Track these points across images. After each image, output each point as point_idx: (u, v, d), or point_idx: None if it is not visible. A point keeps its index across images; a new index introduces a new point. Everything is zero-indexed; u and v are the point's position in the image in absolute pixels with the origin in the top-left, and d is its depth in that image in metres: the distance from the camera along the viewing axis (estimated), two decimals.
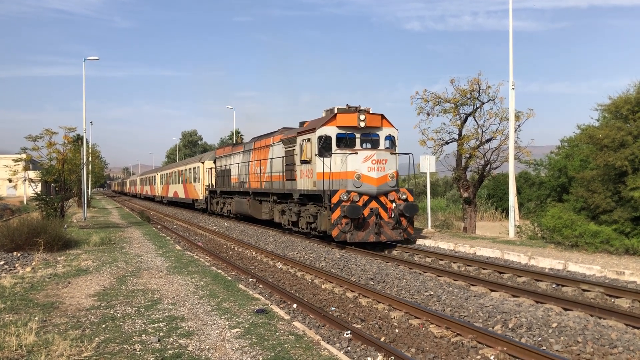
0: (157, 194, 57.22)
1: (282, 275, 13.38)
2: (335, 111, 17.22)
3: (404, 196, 16.72)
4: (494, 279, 12.12)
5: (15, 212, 42.63)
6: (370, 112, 17.35)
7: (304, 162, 18.05)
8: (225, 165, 29.84)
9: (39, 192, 25.52)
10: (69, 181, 27.42)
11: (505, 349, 7.10)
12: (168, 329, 7.60)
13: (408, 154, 17.68)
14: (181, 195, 43.12)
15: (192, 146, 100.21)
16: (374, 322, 8.89)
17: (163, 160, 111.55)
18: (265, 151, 22.94)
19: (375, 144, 17.38)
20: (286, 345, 6.81)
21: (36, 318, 8.03)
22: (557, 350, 7.20)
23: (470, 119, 23.03)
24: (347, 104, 17.39)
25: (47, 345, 6.68)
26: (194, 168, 37.99)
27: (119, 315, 8.39)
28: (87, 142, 35.05)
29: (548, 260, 13.27)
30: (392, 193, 16.63)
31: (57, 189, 27.68)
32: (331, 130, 16.94)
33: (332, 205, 15.93)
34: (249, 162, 25.41)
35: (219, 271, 12.65)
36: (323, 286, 11.73)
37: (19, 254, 14.82)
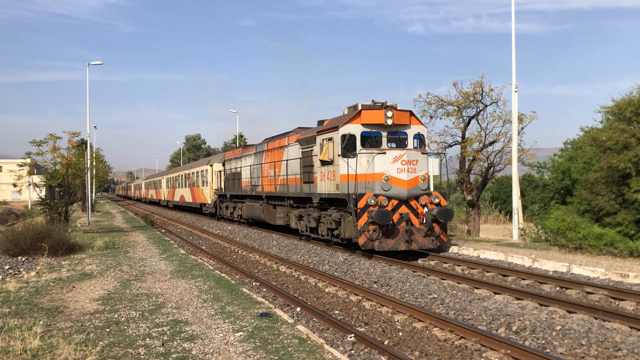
0: (163, 198, 56.26)
1: (285, 279, 13.39)
2: (360, 108, 15.85)
3: (437, 200, 15.31)
4: (497, 281, 12.11)
5: (19, 216, 42.86)
6: (398, 108, 15.97)
7: (324, 163, 16.62)
8: (236, 168, 28.68)
9: (43, 197, 25.59)
10: (73, 185, 27.52)
11: (509, 351, 7.09)
12: (172, 332, 7.62)
13: (440, 153, 16.55)
14: (188, 199, 42.05)
15: (195, 150, 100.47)
16: (377, 326, 8.90)
17: (167, 164, 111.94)
18: (279, 152, 21.67)
19: (402, 143, 16.03)
20: (290, 348, 6.82)
21: (41, 322, 8.07)
22: (560, 353, 7.19)
23: (473, 121, 23.06)
24: (372, 100, 16.00)
25: (51, 350, 6.71)
26: (202, 171, 36.83)
27: (123, 319, 8.42)
28: (91, 146, 35.21)
29: (552, 263, 13.25)
30: (424, 197, 15.22)
31: (61, 194, 27.80)
32: (355, 129, 15.56)
33: (359, 211, 14.58)
34: (261, 164, 24.07)
35: (223, 275, 12.67)
36: (326, 289, 11.74)
37: (23, 259, 14.88)
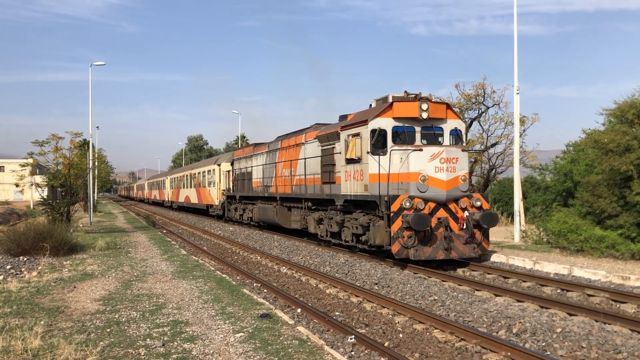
0: (167, 199, 54.92)
1: (286, 280, 13.40)
2: (390, 100, 14.27)
3: (478, 202, 13.73)
4: (498, 283, 12.09)
5: (22, 216, 42.97)
6: (433, 100, 14.52)
7: (350, 161, 15.06)
8: (246, 168, 27.07)
9: (45, 197, 25.67)
10: (75, 186, 27.59)
11: (509, 354, 7.08)
12: (172, 333, 7.63)
13: (483, 150, 14.81)
14: (194, 200, 40.22)
15: (197, 151, 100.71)
16: (378, 327, 8.89)
17: (169, 165, 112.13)
18: (295, 150, 20.14)
19: (437, 139, 14.50)
20: (290, 349, 6.83)
21: (42, 322, 8.09)
22: (561, 356, 7.19)
23: (475, 123, 23.09)
24: (405, 91, 14.50)
25: (52, 350, 6.73)
26: (209, 171, 35.14)
27: (123, 319, 8.44)
28: (93, 146, 35.26)
29: (553, 265, 13.24)
30: (464, 199, 13.65)
31: (63, 194, 27.85)
32: (387, 123, 14.04)
33: (392, 214, 13.00)
34: (275, 163, 22.43)
35: (224, 276, 12.69)
36: (327, 291, 11.74)
37: (25, 259, 14.92)
